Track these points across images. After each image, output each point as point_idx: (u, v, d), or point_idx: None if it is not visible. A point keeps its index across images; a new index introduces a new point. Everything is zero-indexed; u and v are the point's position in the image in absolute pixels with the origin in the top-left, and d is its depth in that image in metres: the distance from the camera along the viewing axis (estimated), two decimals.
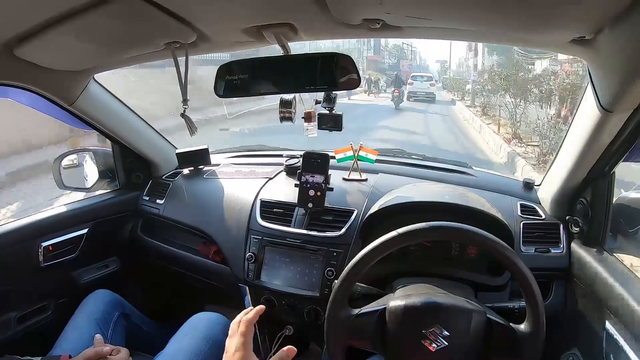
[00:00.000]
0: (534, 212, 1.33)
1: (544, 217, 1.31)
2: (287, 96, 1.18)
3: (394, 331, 0.91)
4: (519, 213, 1.33)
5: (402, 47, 37.45)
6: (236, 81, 1.01)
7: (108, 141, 1.69)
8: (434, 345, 0.87)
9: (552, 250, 1.24)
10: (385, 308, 0.93)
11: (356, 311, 0.94)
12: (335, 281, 0.96)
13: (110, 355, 1.11)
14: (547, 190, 1.34)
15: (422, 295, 0.93)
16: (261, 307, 0.92)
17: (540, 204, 1.37)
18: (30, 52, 1.02)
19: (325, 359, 1.22)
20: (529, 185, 1.45)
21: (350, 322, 0.93)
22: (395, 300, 0.92)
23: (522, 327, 0.89)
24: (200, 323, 1.27)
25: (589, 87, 0.99)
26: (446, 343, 0.87)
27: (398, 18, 0.89)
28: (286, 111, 1.18)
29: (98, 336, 1.16)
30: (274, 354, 1.32)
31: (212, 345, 1.20)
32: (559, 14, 0.75)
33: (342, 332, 0.93)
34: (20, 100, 1.36)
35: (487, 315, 0.90)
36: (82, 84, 1.37)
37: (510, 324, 0.90)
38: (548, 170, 1.36)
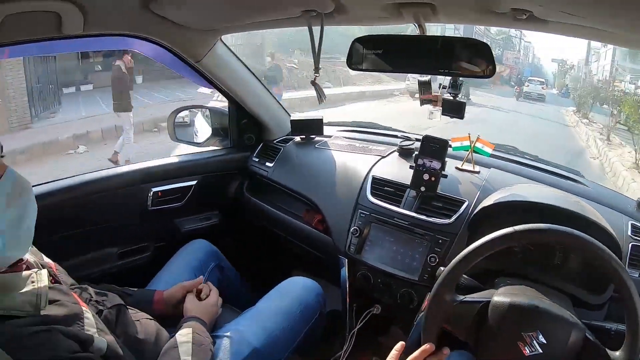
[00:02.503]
0: None
1: None
2: (424, 77, 1.15)
3: (492, 326, 0.89)
4: (629, 233, 1.22)
5: (510, 36, 28.26)
6: (370, 55, 1.01)
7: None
8: (527, 349, 0.85)
9: None
10: (489, 301, 0.91)
11: (461, 297, 0.93)
12: (441, 267, 0.96)
13: (201, 295, 1.20)
14: None
15: (529, 297, 0.90)
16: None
17: None
18: (165, 7, 1.07)
19: (412, 340, 1.20)
20: None
21: (453, 307, 0.93)
22: (500, 296, 0.91)
23: (618, 354, 0.83)
24: (296, 286, 1.30)
25: None
26: (540, 350, 0.84)
27: (548, 11, 0.83)
28: (427, 92, 1.14)
29: (200, 278, 1.24)
30: (357, 330, 1.35)
31: (303, 310, 1.23)
32: None
33: (442, 315, 0.93)
34: (144, 51, 1.44)
35: (586, 334, 0.86)
36: (210, 44, 1.43)
37: (607, 349, 0.85)
38: None
